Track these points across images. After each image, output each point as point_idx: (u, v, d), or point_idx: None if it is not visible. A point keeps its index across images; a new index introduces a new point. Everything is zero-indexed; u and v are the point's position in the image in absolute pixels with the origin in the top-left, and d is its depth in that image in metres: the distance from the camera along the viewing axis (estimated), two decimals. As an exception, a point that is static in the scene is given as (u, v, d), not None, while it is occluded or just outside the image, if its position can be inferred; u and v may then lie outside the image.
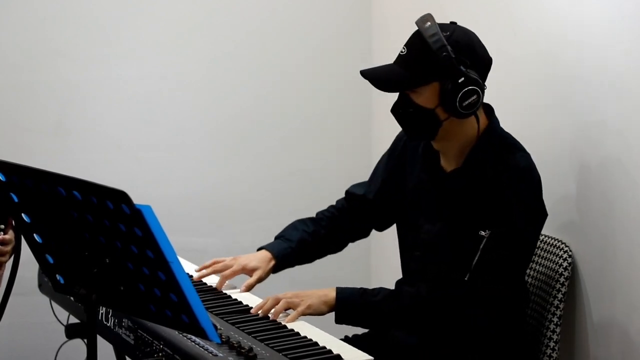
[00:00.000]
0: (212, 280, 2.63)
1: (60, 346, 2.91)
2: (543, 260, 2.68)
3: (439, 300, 2.37)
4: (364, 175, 2.74)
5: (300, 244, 2.65)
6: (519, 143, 2.45)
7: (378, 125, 3.82)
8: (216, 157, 3.73)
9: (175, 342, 2.08)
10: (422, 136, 2.46)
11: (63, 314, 2.69)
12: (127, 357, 2.58)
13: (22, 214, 1.94)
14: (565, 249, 2.62)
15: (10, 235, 2.59)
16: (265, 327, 2.22)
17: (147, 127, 3.62)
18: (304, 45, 3.78)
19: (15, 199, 1.92)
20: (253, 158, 3.77)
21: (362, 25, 3.83)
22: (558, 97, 2.76)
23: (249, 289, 2.55)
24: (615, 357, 2.58)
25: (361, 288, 2.43)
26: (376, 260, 3.88)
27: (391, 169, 2.63)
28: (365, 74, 2.41)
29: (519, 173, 2.35)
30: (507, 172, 2.35)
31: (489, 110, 2.47)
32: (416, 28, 2.37)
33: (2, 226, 2.59)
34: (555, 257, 2.63)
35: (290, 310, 2.34)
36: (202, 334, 1.78)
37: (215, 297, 2.48)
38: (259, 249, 2.66)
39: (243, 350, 2.01)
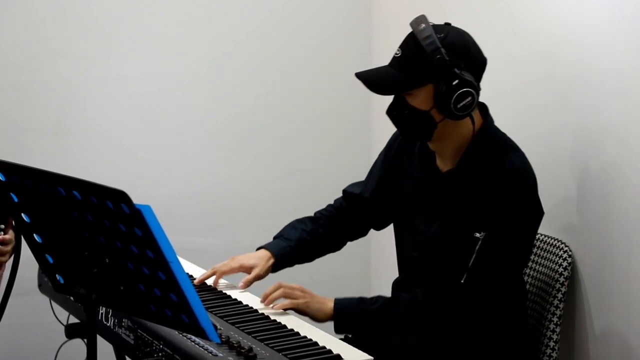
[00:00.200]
0: (212, 281, 2.62)
1: (60, 346, 2.91)
2: (543, 261, 2.68)
3: (436, 304, 2.37)
4: (364, 175, 2.75)
5: (299, 243, 2.66)
6: (513, 142, 2.45)
7: (378, 125, 3.81)
8: (216, 157, 3.73)
9: (175, 342, 2.08)
10: (417, 137, 2.47)
11: (63, 314, 2.69)
12: (127, 357, 2.58)
13: (22, 214, 1.94)
14: (565, 249, 2.62)
15: (10, 235, 2.59)
16: (265, 327, 2.22)
17: (147, 127, 3.62)
18: (304, 45, 3.78)
19: (15, 199, 1.92)
20: (253, 158, 3.77)
21: (362, 25, 3.83)
22: (558, 97, 2.76)
23: (247, 285, 2.56)
24: (614, 357, 2.58)
25: (359, 297, 2.43)
26: (376, 259, 3.87)
27: (387, 168, 2.64)
28: (360, 76, 2.41)
29: (514, 174, 2.35)
30: (502, 173, 2.35)
31: (483, 109, 2.47)
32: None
33: (2, 226, 2.59)
34: (555, 257, 2.63)
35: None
36: (202, 334, 1.79)
37: (215, 297, 2.48)
38: (258, 249, 2.66)
39: (243, 350, 2.01)
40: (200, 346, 2.04)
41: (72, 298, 2.15)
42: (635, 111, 2.47)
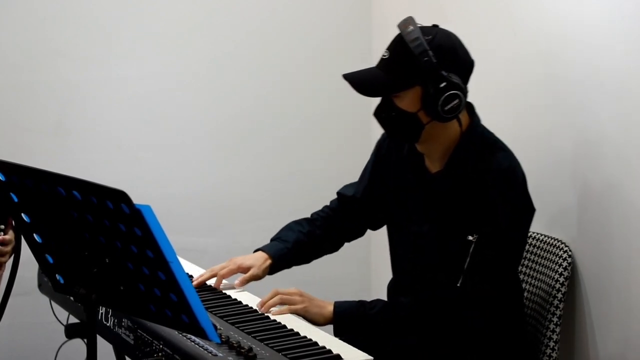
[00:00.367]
0: (212, 281, 2.62)
1: (60, 346, 2.90)
2: (543, 261, 2.68)
3: (434, 307, 2.37)
4: (364, 175, 2.75)
5: (296, 244, 2.66)
6: (500, 141, 2.44)
7: (378, 125, 3.81)
8: (216, 157, 3.73)
9: (175, 342, 2.08)
10: (404, 139, 2.47)
11: (63, 314, 2.69)
12: (126, 357, 2.58)
13: (22, 214, 1.94)
14: (565, 249, 2.62)
15: (10, 235, 2.59)
16: (265, 327, 2.22)
17: (147, 127, 3.62)
18: (304, 45, 3.78)
19: (15, 199, 1.92)
20: (253, 158, 3.77)
21: (362, 25, 3.83)
22: (558, 97, 2.76)
23: (243, 283, 2.56)
24: (614, 356, 2.58)
25: (359, 301, 2.43)
26: (376, 259, 3.87)
27: (378, 169, 2.64)
28: (347, 77, 2.42)
29: (501, 173, 2.35)
30: (489, 173, 2.35)
31: (470, 109, 2.46)
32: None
33: (2, 226, 2.59)
34: (555, 257, 2.63)
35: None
36: (202, 334, 1.79)
37: (215, 297, 2.48)
38: (255, 251, 2.66)
39: (243, 350, 2.01)
40: (200, 346, 2.04)
41: (72, 298, 2.15)
42: (635, 111, 2.47)
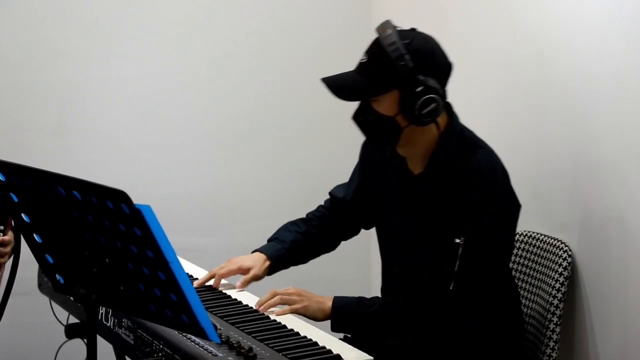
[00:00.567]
0: (211, 281, 2.62)
1: (60, 346, 2.90)
2: (543, 261, 2.68)
3: (430, 307, 2.37)
4: (364, 176, 2.75)
5: (293, 244, 2.66)
6: (479, 140, 2.43)
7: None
8: (216, 157, 3.73)
9: (175, 342, 2.08)
10: (383, 143, 2.48)
11: (63, 314, 2.69)
12: (127, 357, 2.58)
13: (22, 214, 1.94)
14: (565, 248, 2.62)
15: (9, 236, 2.59)
16: (265, 327, 2.22)
17: (147, 127, 3.62)
18: (304, 45, 3.78)
19: (15, 199, 1.92)
20: (253, 158, 3.77)
21: (362, 25, 3.82)
22: (558, 98, 2.76)
23: (244, 285, 2.56)
24: (614, 356, 2.58)
25: (358, 298, 2.43)
26: (376, 259, 3.86)
27: (364, 172, 2.64)
28: (326, 81, 2.42)
29: (480, 174, 2.34)
30: (468, 173, 2.34)
31: (448, 108, 2.45)
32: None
33: (2, 227, 2.59)
34: (555, 257, 2.63)
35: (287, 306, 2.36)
36: (202, 334, 1.79)
37: (215, 297, 2.48)
38: (253, 252, 2.66)
39: (243, 350, 2.01)
40: (200, 346, 2.04)
41: (72, 298, 2.15)
42: (635, 111, 2.47)
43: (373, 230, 2.81)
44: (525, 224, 2.81)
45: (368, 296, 2.44)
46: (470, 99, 3.17)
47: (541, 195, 2.83)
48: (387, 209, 2.55)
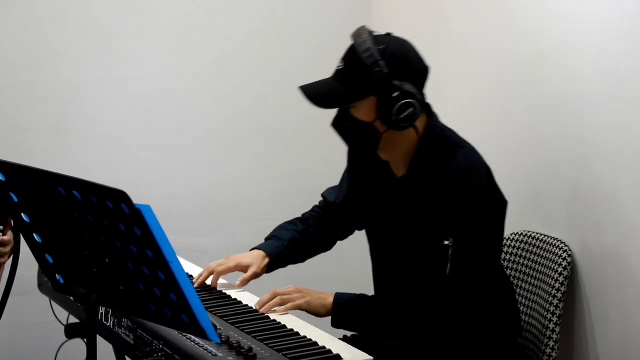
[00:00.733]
0: (209, 282, 2.62)
1: (60, 346, 2.90)
2: (543, 260, 2.68)
3: (431, 308, 2.37)
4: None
5: (292, 242, 2.67)
6: (460, 140, 2.43)
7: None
8: (216, 157, 3.73)
9: (175, 342, 2.08)
10: (363, 148, 2.48)
11: (63, 314, 2.69)
12: (127, 357, 2.58)
13: (22, 214, 1.94)
14: (565, 248, 2.62)
15: (9, 236, 2.59)
16: (265, 327, 2.22)
17: (147, 127, 3.62)
18: (304, 45, 3.78)
19: (15, 199, 1.92)
20: (253, 158, 3.77)
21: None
22: (557, 97, 2.76)
23: (244, 283, 2.57)
24: (614, 356, 2.58)
25: (360, 295, 2.43)
26: (376, 260, 3.87)
27: (352, 175, 2.65)
28: (303, 90, 2.42)
29: (462, 174, 2.34)
30: (449, 174, 2.34)
31: (428, 110, 2.44)
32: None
33: (1, 227, 2.59)
34: (555, 257, 2.63)
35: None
36: (202, 334, 1.79)
37: (215, 297, 2.48)
38: (251, 250, 2.67)
39: (243, 350, 2.01)
40: (200, 346, 2.04)
41: (72, 298, 2.15)
42: (634, 110, 2.47)
43: (359, 231, 2.82)
44: (525, 224, 2.82)
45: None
46: (470, 99, 3.17)
47: (541, 195, 2.83)
48: (372, 213, 2.56)
